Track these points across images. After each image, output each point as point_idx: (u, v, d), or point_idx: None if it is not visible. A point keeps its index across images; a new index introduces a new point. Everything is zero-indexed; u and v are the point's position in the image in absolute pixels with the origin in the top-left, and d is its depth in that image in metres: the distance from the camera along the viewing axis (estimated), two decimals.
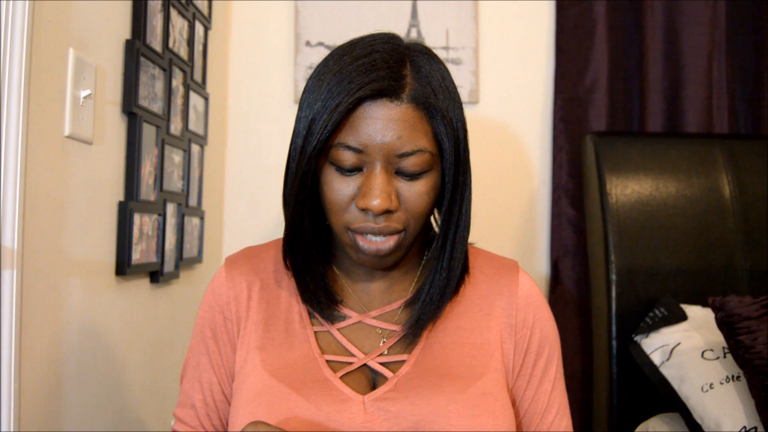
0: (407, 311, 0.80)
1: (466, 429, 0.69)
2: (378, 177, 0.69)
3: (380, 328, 0.79)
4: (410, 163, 0.70)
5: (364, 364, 0.76)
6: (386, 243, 0.73)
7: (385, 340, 0.78)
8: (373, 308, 0.81)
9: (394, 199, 0.71)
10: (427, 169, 0.72)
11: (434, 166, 0.73)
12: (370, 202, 0.69)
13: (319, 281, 0.78)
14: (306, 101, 0.73)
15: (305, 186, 0.73)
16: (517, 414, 0.82)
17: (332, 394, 0.72)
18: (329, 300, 0.79)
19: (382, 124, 0.69)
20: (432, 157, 0.71)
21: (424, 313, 0.77)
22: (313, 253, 0.78)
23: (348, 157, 0.70)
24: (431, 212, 0.77)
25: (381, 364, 0.76)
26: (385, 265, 0.77)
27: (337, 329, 0.79)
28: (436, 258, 0.77)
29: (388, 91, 0.69)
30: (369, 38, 0.74)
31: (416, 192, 0.72)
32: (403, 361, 0.76)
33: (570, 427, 0.84)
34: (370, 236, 0.72)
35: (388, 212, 0.71)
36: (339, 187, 0.72)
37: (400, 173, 0.71)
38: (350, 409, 0.71)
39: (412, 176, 0.71)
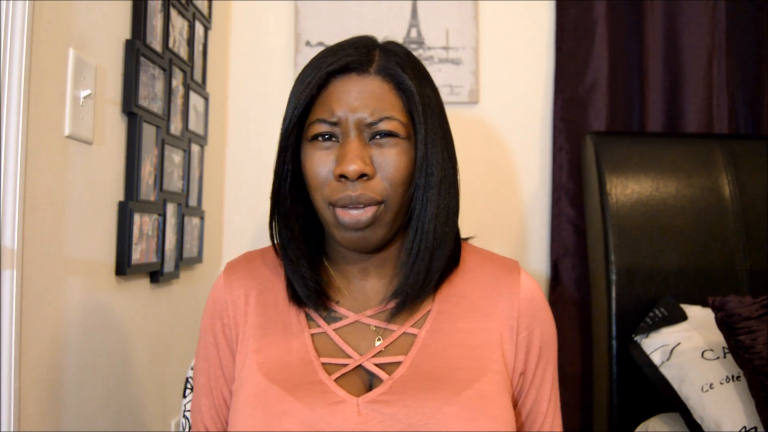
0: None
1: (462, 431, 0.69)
2: (351, 144, 0.73)
3: (375, 326, 0.79)
4: (381, 129, 0.74)
5: (360, 366, 0.76)
6: (365, 214, 0.73)
7: (380, 339, 0.78)
8: (369, 308, 0.81)
9: (369, 163, 0.73)
10: (399, 136, 0.74)
11: (408, 137, 0.75)
12: (346, 167, 0.72)
13: (314, 280, 0.79)
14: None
15: (284, 161, 0.77)
16: (518, 415, 0.81)
17: (326, 395, 0.72)
18: (325, 300, 0.80)
19: (352, 95, 0.74)
20: (403, 126, 0.75)
21: (403, 291, 0.76)
22: (303, 244, 0.80)
23: (323, 130, 0.74)
24: (409, 184, 0.76)
25: (377, 365, 0.76)
26: (370, 243, 0.76)
27: (334, 330, 0.79)
28: (414, 230, 0.77)
29: (356, 65, 0.74)
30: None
31: (390, 158, 0.74)
32: (399, 363, 0.76)
33: (561, 427, 0.86)
34: (349, 209, 0.74)
35: (364, 177, 0.73)
36: (318, 161, 0.75)
37: (373, 141, 0.74)
38: (344, 410, 0.71)
39: (385, 141, 0.74)
